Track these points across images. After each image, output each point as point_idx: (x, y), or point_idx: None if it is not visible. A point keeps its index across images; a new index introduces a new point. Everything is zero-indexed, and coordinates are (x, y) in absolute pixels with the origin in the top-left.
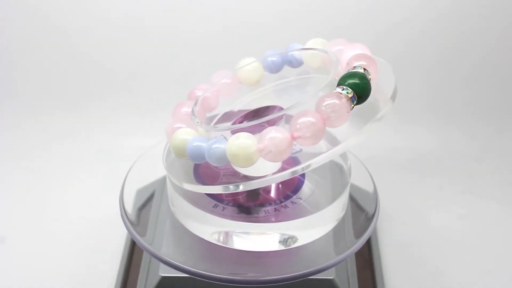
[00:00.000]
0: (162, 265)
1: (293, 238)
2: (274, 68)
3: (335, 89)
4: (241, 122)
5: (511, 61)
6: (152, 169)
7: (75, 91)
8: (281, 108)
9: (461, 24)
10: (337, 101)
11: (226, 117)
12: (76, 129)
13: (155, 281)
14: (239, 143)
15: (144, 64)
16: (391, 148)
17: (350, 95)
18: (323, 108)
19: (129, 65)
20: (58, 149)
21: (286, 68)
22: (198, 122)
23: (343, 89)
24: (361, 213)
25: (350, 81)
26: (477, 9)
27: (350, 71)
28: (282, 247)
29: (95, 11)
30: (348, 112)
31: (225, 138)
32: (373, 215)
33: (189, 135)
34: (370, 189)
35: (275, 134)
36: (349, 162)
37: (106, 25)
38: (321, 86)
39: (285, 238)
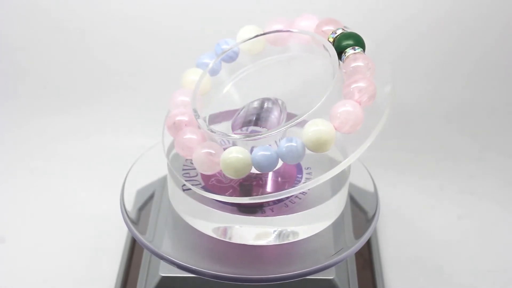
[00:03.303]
0: (162, 265)
1: (292, 233)
2: (217, 69)
3: (346, 53)
4: (245, 121)
5: (511, 61)
6: (152, 169)
7: (75, 91)
8: (278, 99)
9: (461, 25)
10: (364, 60)
11: (216, 119)
12: (76, 129)
13: (155, 281)
14: (320, 130)
15: (144, 63)
16: (391, 148)
17: (362, 52)
18: (352, 69)
19: (129, 65)
20: (58, 149)
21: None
22: (240, 137)
23: (354, 49)
24: (361, 213)
25: (350, 42)
26: (477, 10)
27: (338, 34)
28: (282, 241)
29: (96, 11)
30: (374, 64)
31: (224, 140)
32: (373, 215)
33: (239, 152)
34: (370, 189)
35: (346, 108)
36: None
37: (107, 24)
38: (335, 70)
39: (284, 233)
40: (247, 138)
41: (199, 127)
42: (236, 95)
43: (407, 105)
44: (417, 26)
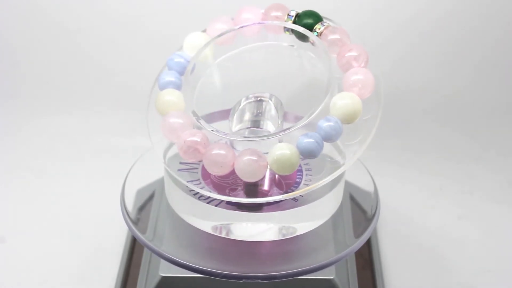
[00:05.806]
0: (162, 265)
1: (291, 228)
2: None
3: (317, 29)
4: (244, 121)
5: (511, 61)
6: (152, 169)
7: (75, 91)
8: (273, 96)
9: (462, 25)
10: (340, 32)
11: (210, 119)
12: (76, 129)
13: (155, 281)
14: (348, 103)
15: (144, 63)
16: (391, 147)
17: (329, 25)
18: (332, 41)
19: (129, 65)
20: (58, 149)
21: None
22: (249, 139)
23: (322, 24)
24: (361, 212)
25: (311, 20)
26: (477, 10)
27: (297, 14)
28: (280, 237)
29: (95, 11)
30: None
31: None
32: (373, 215)
33: (287, 149)
34: (370, 189)
35: (358, 76)
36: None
37: (107, 24)
38: (325, 53)
39: (282, 229)
40: (251, 140)
41: (199, 128)
42: (219, 93)
43: (407, 105)
44: (417, 26)
